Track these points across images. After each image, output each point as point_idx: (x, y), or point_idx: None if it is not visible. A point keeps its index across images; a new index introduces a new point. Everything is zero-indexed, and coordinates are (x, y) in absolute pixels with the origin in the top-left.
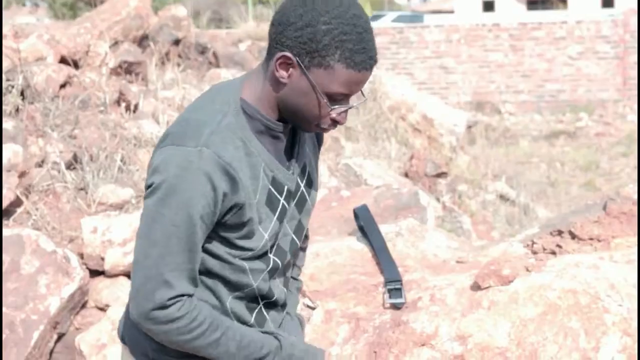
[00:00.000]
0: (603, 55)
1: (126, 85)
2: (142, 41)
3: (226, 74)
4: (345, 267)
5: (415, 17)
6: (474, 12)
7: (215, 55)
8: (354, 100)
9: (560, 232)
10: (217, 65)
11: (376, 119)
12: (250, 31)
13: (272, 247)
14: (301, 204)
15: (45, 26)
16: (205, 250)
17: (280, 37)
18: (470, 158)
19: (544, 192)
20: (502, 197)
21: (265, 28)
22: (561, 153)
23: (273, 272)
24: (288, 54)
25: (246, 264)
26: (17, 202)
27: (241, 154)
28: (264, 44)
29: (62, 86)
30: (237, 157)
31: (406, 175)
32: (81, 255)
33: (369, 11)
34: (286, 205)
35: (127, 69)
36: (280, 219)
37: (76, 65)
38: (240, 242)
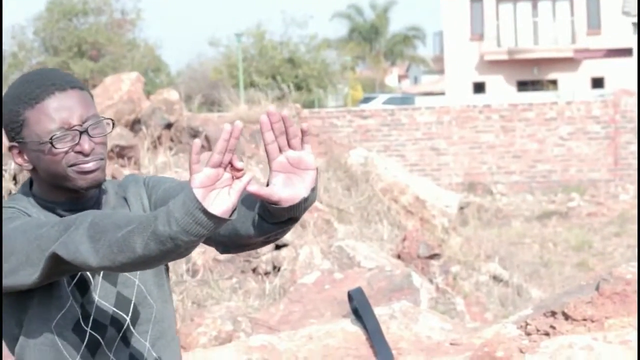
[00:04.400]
0: (594, 136)
1: (118, 170)
2: (134, 125)
3: None
4: (339, 350)
5: (406, 99)
6: (465, 94)
7: (207, 138)
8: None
9: (553, 313)
10: (209, 149)
11: (368, 201)
12: (242, 114)
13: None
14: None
15: None
16: None
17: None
18: (463, 239)
19: (537, 272)
20: (495, 278)
21: (257, 111)
22: (554, 233)
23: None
24: (10, 144)
25: None
26: None
27: None
28: (256, 127)
29: None
30: None
31: (399, 257)
32: None
33: (360, 93)
34: None
35: (119, 153)
36: None
37: None
38: None
